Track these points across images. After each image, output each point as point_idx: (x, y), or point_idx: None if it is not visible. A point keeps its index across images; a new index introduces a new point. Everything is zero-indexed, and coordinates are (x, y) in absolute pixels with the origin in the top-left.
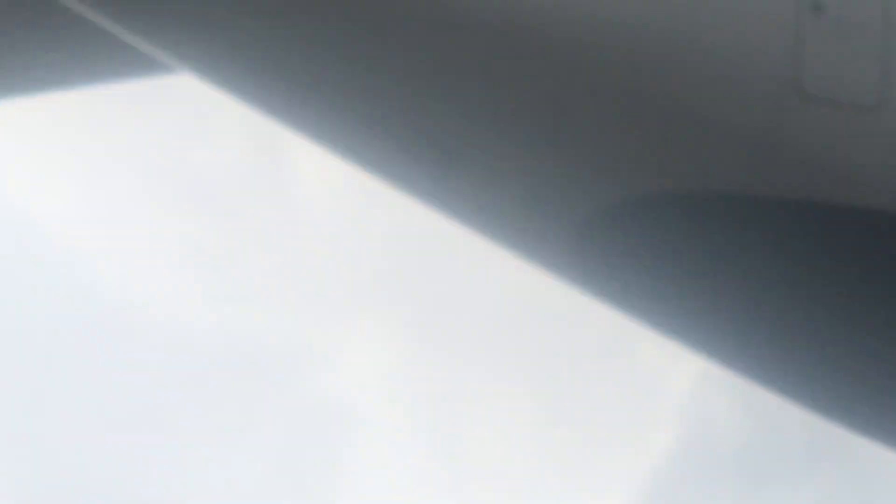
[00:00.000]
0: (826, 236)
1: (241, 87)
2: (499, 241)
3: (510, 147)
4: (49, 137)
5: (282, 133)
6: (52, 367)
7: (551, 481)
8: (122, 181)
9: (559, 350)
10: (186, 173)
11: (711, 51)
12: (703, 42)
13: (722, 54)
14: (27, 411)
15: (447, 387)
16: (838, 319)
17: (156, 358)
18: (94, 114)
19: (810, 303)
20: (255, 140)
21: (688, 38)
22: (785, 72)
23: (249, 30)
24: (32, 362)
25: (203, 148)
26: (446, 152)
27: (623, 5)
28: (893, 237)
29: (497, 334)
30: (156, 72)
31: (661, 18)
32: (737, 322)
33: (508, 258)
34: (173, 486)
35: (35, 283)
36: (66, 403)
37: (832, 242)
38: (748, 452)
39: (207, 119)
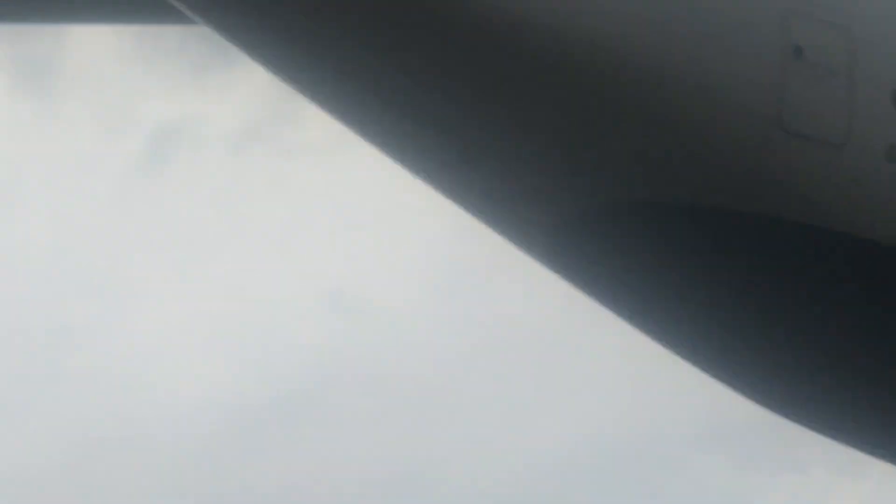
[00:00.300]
0: (792, 251)
1: (262, 49)
2: (499, 231)
3: (516, 147)
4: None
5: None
6: None
7: None
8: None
9: None
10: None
11: (709, 84)
12: (703, 76)
13: (717, 88)
14: None
15: None
16: (798, 326)
17: None
18: (106, 51)
19: (776, 309)
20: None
21: (689, 72)
22: (770, 107)
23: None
24: None
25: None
26: (460, 147)
27: (638, 45)
28: (853, 256)
29: None
30: (176, 21)
31: (666, 54)
32: (708, 323)
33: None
34: None
35: None
36: None
37: (797, 256)
38: None
39: (216, 73)
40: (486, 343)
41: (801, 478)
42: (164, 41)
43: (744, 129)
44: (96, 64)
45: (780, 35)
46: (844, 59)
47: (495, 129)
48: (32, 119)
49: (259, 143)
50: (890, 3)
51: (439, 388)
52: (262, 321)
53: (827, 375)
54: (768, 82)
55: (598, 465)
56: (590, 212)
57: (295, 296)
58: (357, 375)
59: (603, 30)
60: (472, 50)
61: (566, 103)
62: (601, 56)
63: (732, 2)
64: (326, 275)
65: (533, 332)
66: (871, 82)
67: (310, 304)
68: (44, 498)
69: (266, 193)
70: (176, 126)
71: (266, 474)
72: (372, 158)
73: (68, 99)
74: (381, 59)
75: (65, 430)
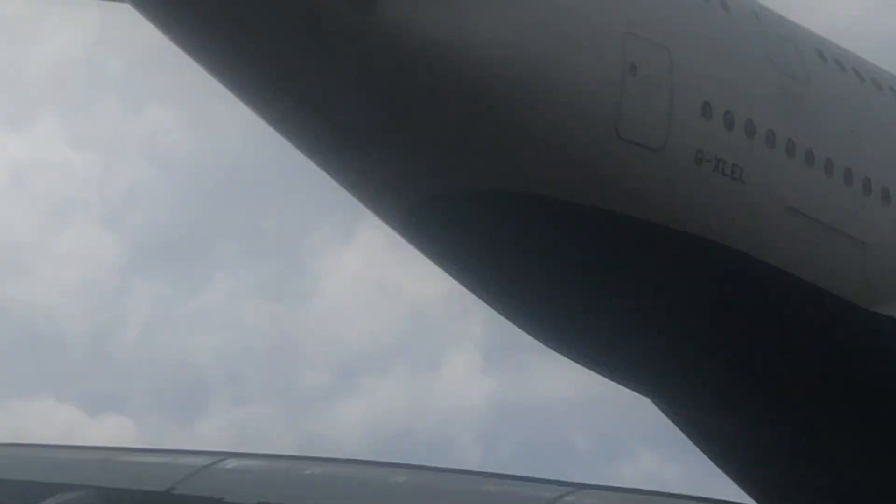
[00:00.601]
0: (618, 238)
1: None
2: (370, 208)
3: (385, 138)
4: None
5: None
6: None
7: None
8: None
9: None
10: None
11: (561, 95)
12: (556, 88)
13: (569, 99)
14: None
15: None
16: (618, 294)
17: None
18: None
19: (600, 283)
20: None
21: (545, 83)
22: (610, 116)
23: None
24: None
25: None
26: (339, 137)
27: (499, 56)
28: (671, 248)
29: None
30: None
31: (523, 66)
32: (539, 300)
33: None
34: None
35: None
36: None
37: (619, 242)
38: None
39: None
40: None
41: None
42: None
43: (587, 134)
44: None
45: (621, 53)
46: (666, 75)
47: (370, 123)
48: None
49: None
50: (701, 27)
51: None
52: None
53: (614, 329)
54: (610, 94)
55: None
56: (450, 197)
57: None
58: None
59: (467, 43)
60: (355, 60)
61: (433, 104)
62: (466, 66)
63: (584, 22)
64: None
65: None
66: (685, 96)
67: None
68: None
69: None
70: None
71: None
72: None
73: None
74: (283, 61)
75: None
